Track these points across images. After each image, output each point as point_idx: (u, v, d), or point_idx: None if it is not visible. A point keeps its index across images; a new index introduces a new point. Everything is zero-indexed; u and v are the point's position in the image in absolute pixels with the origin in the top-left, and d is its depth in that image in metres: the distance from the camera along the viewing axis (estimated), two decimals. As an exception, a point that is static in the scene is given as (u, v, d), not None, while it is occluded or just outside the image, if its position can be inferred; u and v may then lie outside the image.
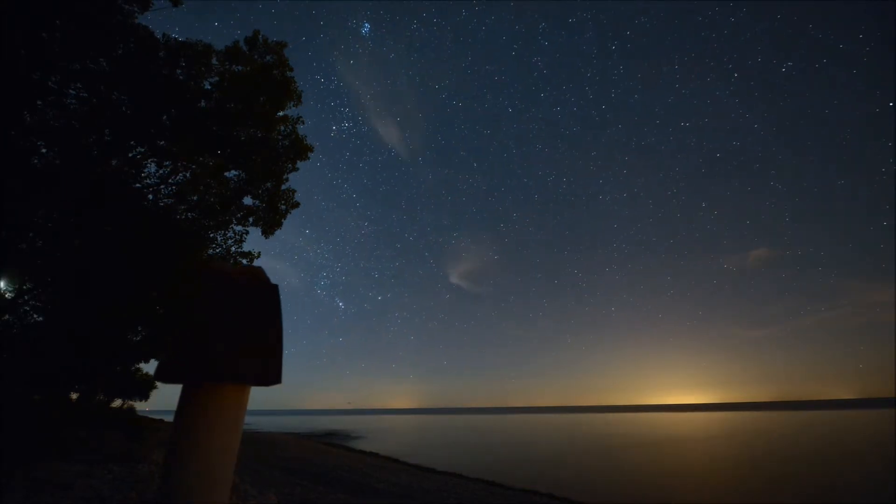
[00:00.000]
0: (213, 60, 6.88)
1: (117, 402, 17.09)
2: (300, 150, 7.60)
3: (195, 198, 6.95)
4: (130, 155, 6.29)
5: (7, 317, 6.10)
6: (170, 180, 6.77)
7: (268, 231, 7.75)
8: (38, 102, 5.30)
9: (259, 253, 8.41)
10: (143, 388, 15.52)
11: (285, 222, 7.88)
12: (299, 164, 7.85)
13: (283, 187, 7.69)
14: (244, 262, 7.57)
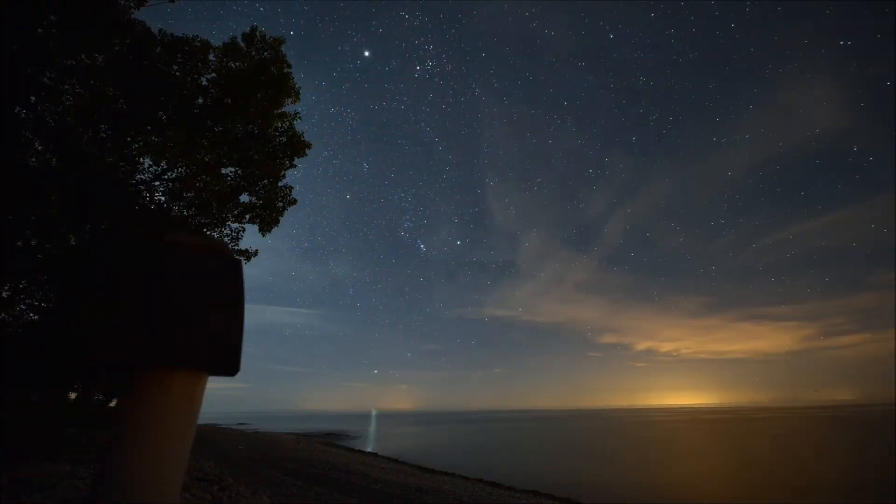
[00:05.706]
0: (211, 56, 6.85)
1: (115, 402, 17.05)
2: (298, 146, 7.56)
3: (191, 194, 6.91)
4: (126, 151, 6.25)
5: (3, 316, 6.06)
6: (165, 177, 6.73)
7: (265, 228, 7.71)
8: (32, 98, 5.26)
9: (257, 251, 8.35)
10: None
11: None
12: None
13: (281, 184, 7.65)
14: (242, 259, 7.52)
